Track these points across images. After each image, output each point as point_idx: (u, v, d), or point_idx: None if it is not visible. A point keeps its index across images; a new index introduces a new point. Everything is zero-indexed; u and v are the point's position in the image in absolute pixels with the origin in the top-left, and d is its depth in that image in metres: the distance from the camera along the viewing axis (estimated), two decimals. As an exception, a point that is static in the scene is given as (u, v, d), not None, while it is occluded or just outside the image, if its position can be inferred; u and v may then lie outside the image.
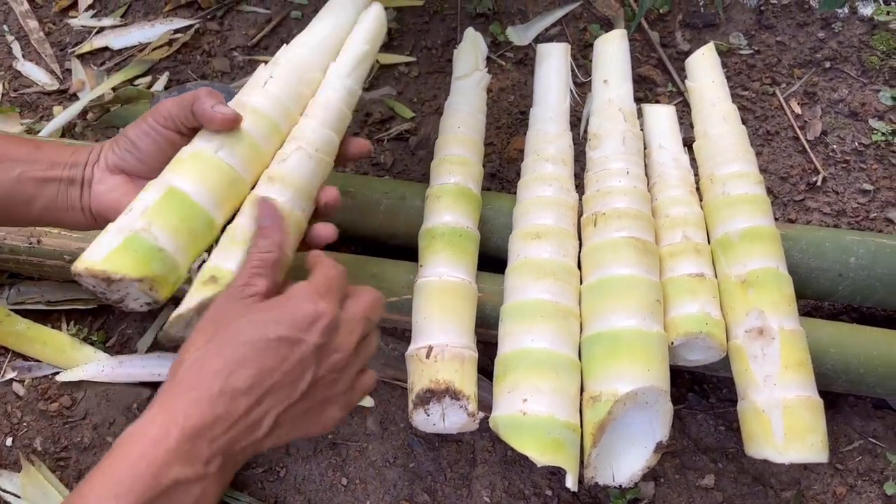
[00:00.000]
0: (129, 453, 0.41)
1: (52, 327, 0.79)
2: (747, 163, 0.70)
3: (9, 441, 0.73)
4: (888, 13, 0.96)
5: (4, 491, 0.70)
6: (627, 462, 0.59)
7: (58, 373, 0.76)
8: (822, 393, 0.69)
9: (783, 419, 0.60)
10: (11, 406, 0.75)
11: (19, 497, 0.70)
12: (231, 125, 0.56)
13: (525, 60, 0.96)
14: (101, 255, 0.50)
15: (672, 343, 0.63)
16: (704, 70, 0.76)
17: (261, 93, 0.60)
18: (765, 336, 0.62)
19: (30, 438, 0.73)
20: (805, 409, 0.60)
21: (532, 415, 0.57)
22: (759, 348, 0.62)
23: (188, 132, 0.57)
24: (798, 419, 0.60)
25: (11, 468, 0.72)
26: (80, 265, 0.50)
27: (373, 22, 0.67)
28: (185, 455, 0.41)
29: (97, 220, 0.57)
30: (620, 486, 0.58)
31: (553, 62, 0.79)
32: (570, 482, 0.56)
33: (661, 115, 0.77)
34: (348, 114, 0.64)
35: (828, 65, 0.93)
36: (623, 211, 0.67)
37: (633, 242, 0.64)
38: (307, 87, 0.63)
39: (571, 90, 0.79)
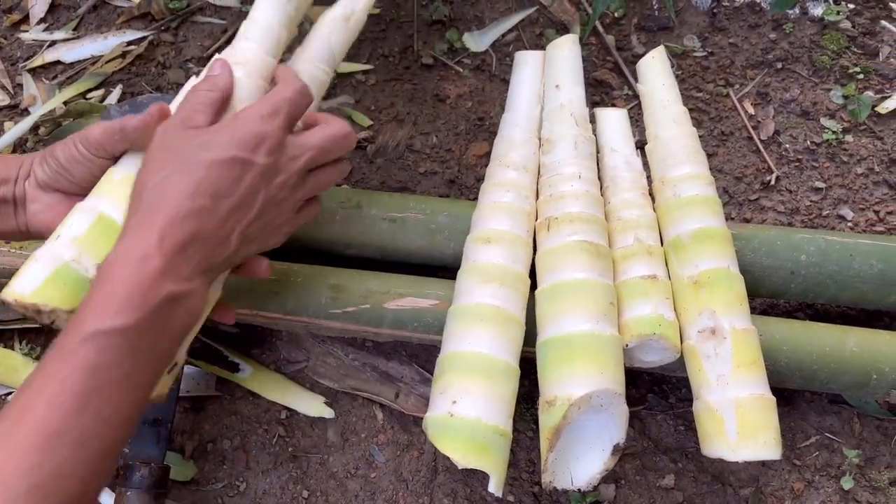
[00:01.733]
0: (118, 276, 0.43)
1: (5, 347, 0.77)
2: (698, 164, 0.71)
3: (-39, 464, 0.72)
4: (838, 13, 0.97)
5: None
6: (585, 465, 0.59)
7: (10, 393, 0.75)
8: (778, 390, 0.70)
9: (736, 418, 0.60)
10: (-37, 428, 0.74)
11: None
12: (148, 128, 0.55)
13: (482, 66, 0.96)
14: (31, 287, 0.50)
15: (627, 345, 0.63)
16: (655, 73, 0.76)
17: None
18: (717, 336, 0.63)
19: (-18, 461, 0.72)
20: (758, 407, 0.61)
21: (459, 417, 0.57)
22: (712, 348, 0.63)
23: (121, 156, 0.57)
24: (751, 417, 0.60)
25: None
26: (8, 295, 0.50)
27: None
28: (171, 272, 0.45)
29: (34, 236, 0.57)
30: (579, 489, 0.59)
31: (528, 70, 0.80)
32: (493, 486, 0.56)
33: (613, 119, 0.78)
34: None
35: (779, 65, 0.95)
36: (575, 215, 0.67)
37: (585, 246, 0.64)
38: None
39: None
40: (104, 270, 0.44)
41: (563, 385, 0.59)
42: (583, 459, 0.60)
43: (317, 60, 0.67)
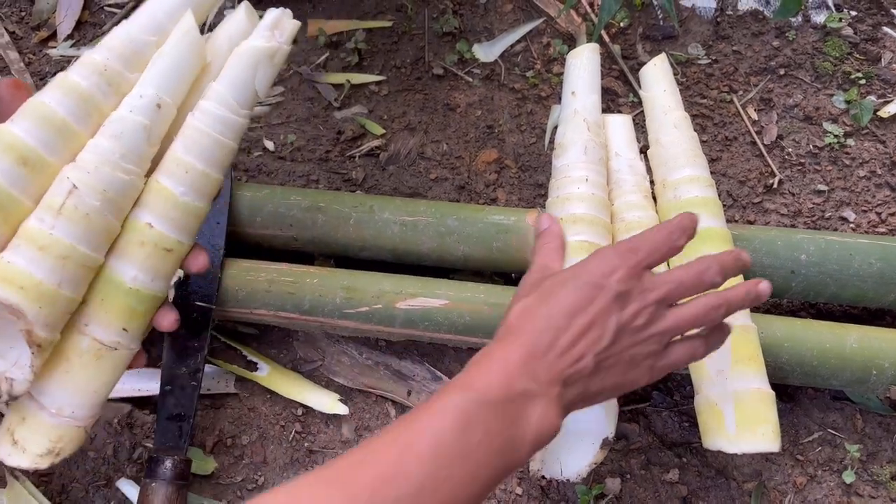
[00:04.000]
0: (487, 365, 0.50)
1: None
2: (698, 167, 0.73)
3: (-7, 459, 0.75)
4: (840, 20, 0.99)
5: (-11, 507, 0.72)
6: (576, 458, 0.62)
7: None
8: (782, 386, 0.72)
9: (735, 411, 0.62)
10: (-4, 425, 0.77)
11: (4, 512, 0.72)
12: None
13: (492, 76, 0.99)
14: None
15: (628, 341, 0.66)
16: (656, 79, 0.79)
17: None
18: (716, 332, 0.65)
19: (14, 456, 0.75)
20: (756, 401, 0.63)
21: None
22: (712, 344, 0.65)
23: None
24: (749, 410, 0.62)
25: (-4, 485, 0.74)
26: None
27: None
28: (528, 373, 0.49)
29: None
30: (568, 479, 0.61)
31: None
32: None
33: (618, 125, 0.80)
34: None
35: (782, 72, 0.97)
36: (579, 216, 0.69)
37: (586, 247, 0.67)
38: None
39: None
40: (470, 367, 0.51)
41: None
42: (574, 452, 0.63)
43: (236, 105, 0.59)
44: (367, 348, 0.80)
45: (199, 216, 0.60)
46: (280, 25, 0.60)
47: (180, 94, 0.59)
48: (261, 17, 0.61)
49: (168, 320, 0.61)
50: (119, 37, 0.58)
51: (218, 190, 0.62)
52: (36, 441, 0.58)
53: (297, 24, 0.61)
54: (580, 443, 0.62)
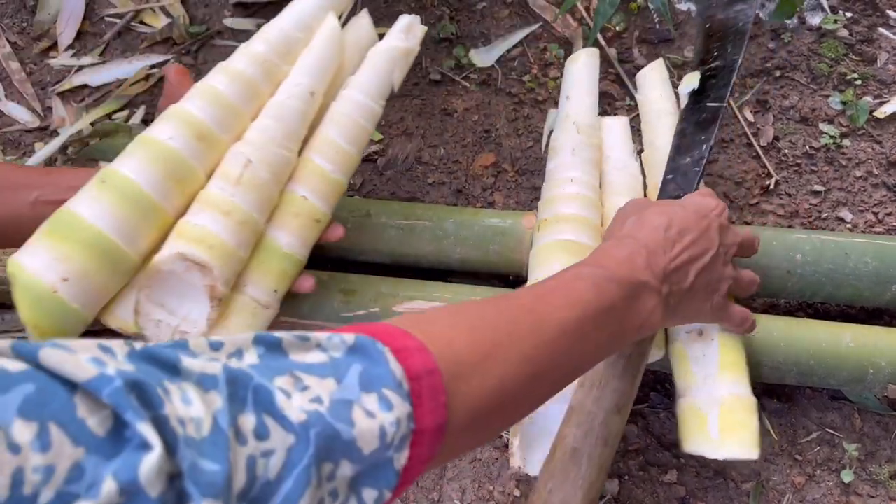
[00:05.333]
0: (609, 256, 0.54)
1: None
2: (692, 169, 0.73)
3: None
4: (836, 21, 1.00)
5: None
6: None
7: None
8: (779, 386, 0.72)
9: (718, 416, 0.62)
10: (-2, 431, 0.78)
11: None
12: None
13: (488, 81, 0.99)
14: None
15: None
16: (652, 84, 0.79)
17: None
18: (704, 337, 0.65)
19: (15, 461, 0.76)
20: (739, 407, 0.63)
21: None
22: (700, 350, 0.65)
23: None
24: (733, 416, 0.62)
25: None
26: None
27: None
28: (648, 267, 0.54)
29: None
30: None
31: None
32: None
33: (613, 127, 0.81)
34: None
35: (778, 73, 0.97)
36: (564, 216, 0.70)
37: (568, 245, 0.67)
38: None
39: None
40: (598, 251, 0.57)
41: None
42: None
43: (377, 96, 0.69)
44: (366, 352, 0.81)
45: (341, 192, 0.69)
46: (412, 29, 0.70)
47: (326, 84, 0.68)
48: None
49: (307, 284, 0.68)
50: (274, 32, 0.67)
51: (355, 169, 0.70)
52: None
53: (424, 28, 0.71)
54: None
